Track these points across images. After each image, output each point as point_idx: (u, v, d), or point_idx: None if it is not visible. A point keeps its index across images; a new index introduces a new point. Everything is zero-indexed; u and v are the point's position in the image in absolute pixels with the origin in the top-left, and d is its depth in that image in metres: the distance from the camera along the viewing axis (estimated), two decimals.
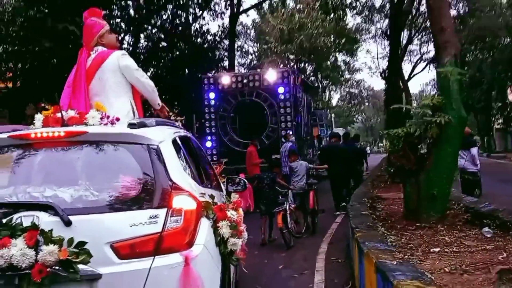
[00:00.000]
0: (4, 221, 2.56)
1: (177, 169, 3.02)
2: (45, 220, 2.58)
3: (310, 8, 33.69)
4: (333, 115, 48.76)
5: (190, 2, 23.27)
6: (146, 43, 22.79)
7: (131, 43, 22.14)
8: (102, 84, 3.84)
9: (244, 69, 34.62)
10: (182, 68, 21.92)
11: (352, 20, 46.24)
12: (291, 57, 35.28)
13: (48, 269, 2.48)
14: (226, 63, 26.53)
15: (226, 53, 26.05)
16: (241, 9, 27.81)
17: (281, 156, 12.26)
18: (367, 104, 65.46)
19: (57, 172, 2.97)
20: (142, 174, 2.86)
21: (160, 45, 22.34)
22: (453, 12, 30.03)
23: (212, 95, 13.68)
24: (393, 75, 14.74)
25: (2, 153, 3.04)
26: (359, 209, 6.63)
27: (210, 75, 14.93)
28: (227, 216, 3.28)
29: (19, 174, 3.03)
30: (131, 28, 21.30)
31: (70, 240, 2.56)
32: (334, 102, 57.06)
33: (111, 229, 2.66)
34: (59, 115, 3.18)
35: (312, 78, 39.64)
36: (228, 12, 25.94)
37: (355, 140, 15.15)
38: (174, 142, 3.30)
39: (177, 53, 21.60)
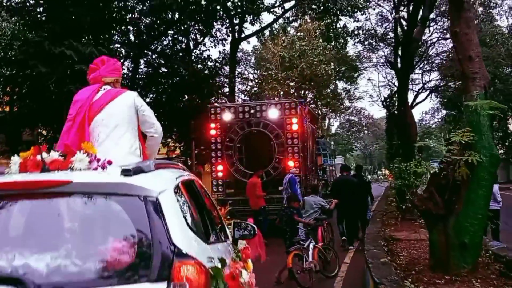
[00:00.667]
0: None
1: (181, 228, 2.42)
2: None
3: (310, 36, 33.61)
4: (332, 142, 48.33)
5: (191, 28, 23.03)
6: (146, 68, 22.44)
7: (131, 68, 21.83)
8: (111, 118, 3.50)
9: (245, 96, 34.38)
10: (182, 94, 21.52)
11: (353, 48, 46.16)
12: (291, 84, 34.96)
13: None
14: (226, 89, 26.23)
15: (226, 80, 25.74)
16: (243, 35, 27.65)
17: (283, 188, 12.03)
18: (366, 132, 65.11)
19: (31, 233, 2.37)
20: (137, 235, 2.26)
21: (160, 71, 21.96)
22: None
23: (218, 125, 13.47)
24: (402, 105, 14.22)
25: None
26: (377, 256, 6.02)
27: (217, 104, 14.78)
28: (241, 286, 2.78)
29: None
30: (131, 54, 20.99)
31: None
32: (333, 129, 56.73)
33: None
34: (39, 157, 2.59)
35: (312, 106, 39.36)
36: (229, 39, 25.79)
37: (359, 171, 14.79)
38: (176, 190, 2.72)
39: (177, 79, 21.19)
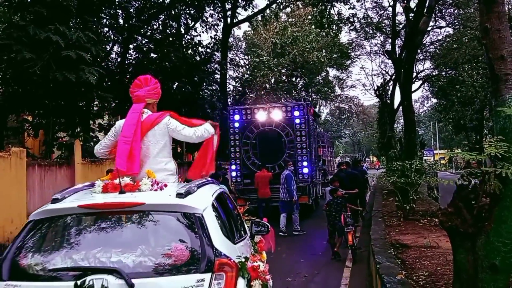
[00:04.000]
0: (79, 283, 2.94)
1: (218, 236, 3.40)
2: (112, 283, 2.95)
3: (303, 23, 32.91)
4: (321, 130, 47.92)
5: (182, 12, 22.26)
6: (135, 54, 21.63)
7: (120, 53, 21.01)
8: (153, 146, 4.22)
9: (236, 83, 33.78)
10: (172, 80, 20.81)
11: (346, 35, 45.67)
12: (283, 71, 34.32)
13: None
14: (217, 76, 25.54)
15: (217, 66, 25.04)
16: (235, 20, 26.94)
17: (280, 183, 12.71)
18: (355, 119, 64.83)
19: (118, 239, 3.33)
20: (190, 241, 3.25)
21: (150, 56, 21.16)
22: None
23: (236, 124, 15.44)
24: (406, 99, 13.69)
25: (71, 221, 3.44)
26: (391, 271, 5.55)
27: (236, 107, 16.79)
28: (259, 275, 3.63)
29: (87, 240, 3.34)
30: (120, 38, 20.19)
31: None
32: (322, 116, 56.32)
33: None
34: (116, 181, 3.69)
35: (303, 93, 38.84)
36: (221, 24, 25.09)
37: (357, 165, 16.31)
38: (213, 205, 3.73)
39: (168, 64, 20.41)
